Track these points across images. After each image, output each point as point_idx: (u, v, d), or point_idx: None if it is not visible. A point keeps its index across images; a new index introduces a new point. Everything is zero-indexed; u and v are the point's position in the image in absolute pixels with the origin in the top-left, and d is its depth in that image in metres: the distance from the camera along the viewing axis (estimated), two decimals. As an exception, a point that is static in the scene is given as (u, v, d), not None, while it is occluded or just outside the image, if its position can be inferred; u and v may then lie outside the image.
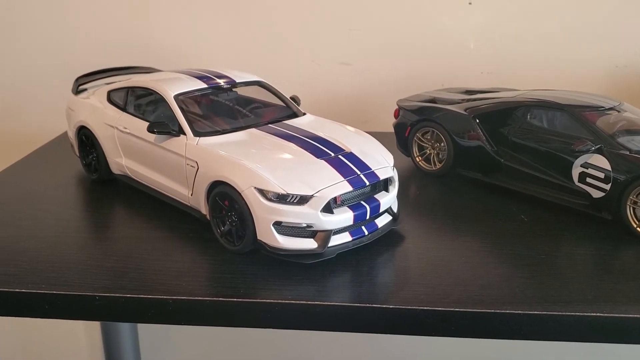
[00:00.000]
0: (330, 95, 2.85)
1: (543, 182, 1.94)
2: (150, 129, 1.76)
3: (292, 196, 1.53)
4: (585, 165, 1.82)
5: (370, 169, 1.67)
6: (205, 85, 1.91)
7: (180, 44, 2.83)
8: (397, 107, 2.38)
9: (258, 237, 1.57)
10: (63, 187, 2.12)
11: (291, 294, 1.46)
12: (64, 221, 1.85)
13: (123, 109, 1.99)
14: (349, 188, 1.59)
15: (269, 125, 1.84)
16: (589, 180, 1.82)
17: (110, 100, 2.06)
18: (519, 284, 1.52)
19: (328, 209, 1.56)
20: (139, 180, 1.95)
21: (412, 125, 2.25)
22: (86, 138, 2.11)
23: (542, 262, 1.62)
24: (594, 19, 2.70)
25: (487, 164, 2.07)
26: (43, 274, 1.54)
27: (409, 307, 1.42)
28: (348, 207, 1.61)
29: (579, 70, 2.77)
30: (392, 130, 2.40)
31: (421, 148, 2.26)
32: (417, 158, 2.26)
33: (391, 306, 1.42)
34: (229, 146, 1.69)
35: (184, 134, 1.76)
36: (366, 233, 1.64)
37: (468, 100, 2.23)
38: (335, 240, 1.59)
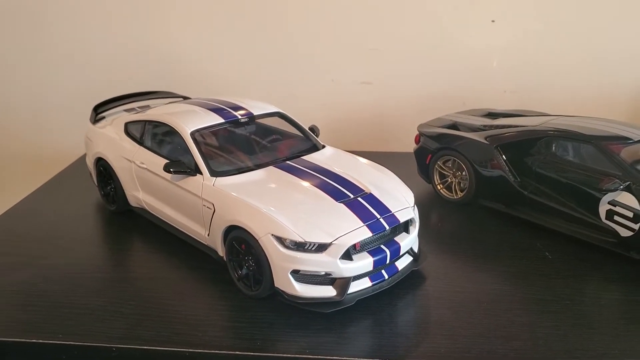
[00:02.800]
0: (351, 114, 2.82)
1: (568, 217, 1.89)
2: (166, 169, 1.74)
3: (310, 244, 1.50)
4: (613, 202, 1.77)
5: (390, 212, 1.63)
6: (222, 120, 1.88)
7: (200, 65, 2.81)
8: (417, 132, 2.32)
9: (275, 285, 1.54)
10: (82, 219, 2.12)
11: (309, 346, 1.44)
12: (82, 259, 1.84)
13: (140, 142, 1.97)
14: (369, 234, 1.55)
15: (287, 162, 1.81)
16: (616, 218, 1.77)
17: (127, 132, 2.04)
18: (542, 335, 1.48)
19: (347, 255, 1.53)
20: (156, 215, 1.94)
21: (433, 153, 2.20)
22: (104, 169, 2.10)
23: (567, 309, 1.58)
24: (620, 40, 2.62)
25: (509, 195, 2.02)
26: (61, 321, 1.54)
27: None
28: (367, 252, 1.57)
29: (603, 91, 2.69)
30: (412, 150, 2.36)
31: (442, 176, 2.22)
32: (438, 186, 2.22)
33: (408, 361, 1.39)
34: (246, 188, 1.67)
35: (201, 173, 1.74)
36: (386, 277, 1.61)
37: (490, 126, 2.18)
38: (355, 287, 1.56)
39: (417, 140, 2.32)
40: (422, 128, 2.30)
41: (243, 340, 1.47)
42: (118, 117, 2.21)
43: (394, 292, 1.63)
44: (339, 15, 2.70)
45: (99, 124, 2.21)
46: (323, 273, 1.51)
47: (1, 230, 2.02)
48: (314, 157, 1.85)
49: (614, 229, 1.78)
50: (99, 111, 2.25)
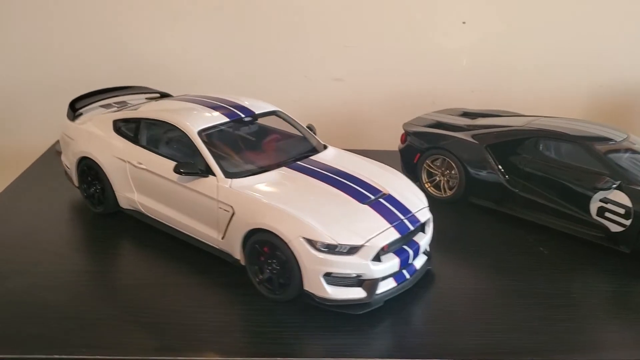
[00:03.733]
0: (323, 111, 2.81)
1: (559, 213, 1.99)
2: (177, 170, 1.67)
3: (342, 246, 1.49)
4: (605, 200, 1.88)
5: (411, 212, 1.65)
6: (227, 119, 1.83)
7: (170, 62, 2.71)
8: (403, 131, 2.36)
9: (305, 288, 1.53)
10: (65, 222, 1.99)
11: (343, 349, 1.43)
12: (79, 266, 1.74)
13: (135, 141, 1.88)
14: (397, 235, 1.57)
15: (298, 162, 1.78)
16: (607, 215, 1.88)
17: (117, 130, 1.94)
18: (562, 328, 1.55)
19: (376, 257, 1.54)
20: (154, 218, 1.86)
21: (421, 152, 2.25)
22: (89, 169, 1.98)
23: (575, 302, 1.66)
24: (580, 40, 2.78)
25: (500, 193, 2.10)
26: (77, 334, 1.45)
27: (467, 360, 1.42)
28: (393, 253, 1.58)
29: (563, 91, 2.85)
30: (387, 148, 2.41)
31: (430, 174, 2.27)
32: (426, 184, 2.26)
33: (449, 360, 1.42)
34: (266, 189, 1.63)
35: (213, 174, 1.68)
36: (408, 277, 1.63)
37: (475, 126, 2.25)
38: (381, 288, 1.57)
39: (403, 139, 2.35)
40: (409, 127, 2.34)
41: (277, 344, 1.44)
42: (98, 114, 2.09)
43: (412, 291, 1.66)
44: (313, 11, 2.69)
45: (78, 121, 2.08)
46: (354, 275, 1.51)
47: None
48: (322, 158, 1.84)
49: (604, 224, 1.89)
50: (76, 106, 2.11)
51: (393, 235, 1.56)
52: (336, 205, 1.60)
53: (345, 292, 1.52)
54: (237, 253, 1.65)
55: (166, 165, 1.77)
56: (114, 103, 2.23)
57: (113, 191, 1.92)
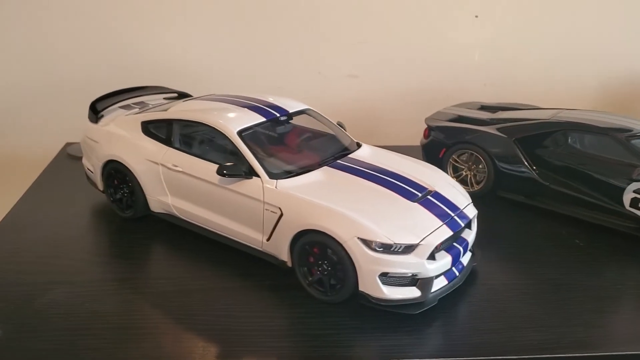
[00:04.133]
0: (337, 107, 2.78)
1: (591, 205, 2.00)
2: (220, 172, 1.63)
3: (398, 246, 1.47)
4: (639, 191, 1.89)
5: (459, 209, 1.64)
6: (263, 119, 1.79)
7: (182, 59, 2.65)
8: (425, 126, 2.35)
9: (360, 289, 1.50)
10: (94, 229, 1.95)
11: (402, 350, 1.42)
12: (120, 273, 1.69)
13: (168, 143, 1.83)
14: (450, 232, 1.56)
15: (338, 161, 1.76)
16: (642, 205, 1.89)
17: (147, 132, 1.89)
18: (615, 319, 1.56)
19: (430, 255, 1.52)
20: (190, 221, 1.81)
21: (447, 146, 2.24)
22: (116, 172, 1.92)
23: (622, 293, 1.67)
24: (588, 32, 2.81)
25: (530, 186, 2.10)
26: (134, 345, 1.40)
27: (532, 356, 1.41)
28: (444, 250, 1.57)
29: (574, 81, 2.87)
30: (402, 143, 2.40)
31: (456, 169, 2.26)
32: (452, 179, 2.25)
33: (513, 357, 1.41)
34: (313, 190, 1.60)
35: (257, 175, 1.65)
36: (457, 274, 1.62)
37: (499, 120, 2.25)
38: (434, 286, 1.55)
39: (426, 134, 2.34)
40: (432, 122, 2.33)
41: (336, 347, 1.42)
42: (120, 115, 2.04)
43: (461, 289, 1.65)
44: (327, 7, 2.66)
45: (100, 123, 2.02)
46: (410, 274, 1.49)
47: (6, 245, 1.80)
48: (360, 155, 1.82)
49: (638, 215, 1.90)
50: (96, 108, 2.05)
51: (446, 233, 1.55)
52: (387, 204, 1.58)
53: (400, 291, 1.50)
54: (284, 255, 1.62)
55: (204, 167, 1.72)
56: (133, 104, 2.17)
57: (144, 194, 1.87)
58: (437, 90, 2.79)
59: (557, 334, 1.49)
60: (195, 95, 2.26)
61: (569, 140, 2.07)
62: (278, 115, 1.83)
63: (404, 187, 1.65)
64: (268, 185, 1.62)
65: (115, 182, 1.94)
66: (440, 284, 1.56)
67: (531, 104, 2.47)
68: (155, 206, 1.87)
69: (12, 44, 2.60)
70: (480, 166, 2.18)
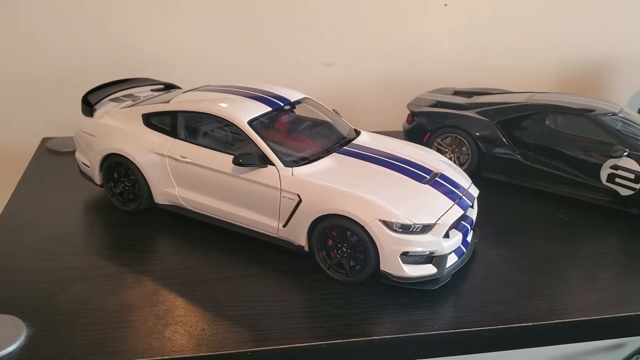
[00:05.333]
0: (314, 95, 2.81)
1: (570, 182, 2.15)
2: (236, 162, 1.66)
3: (416, 226, 1.55)
4: (615, 167, 2.05)
5: (465, 189, 1.74)
6: (269, 108, 1.83)
7: (164, 51, 2.62)
8: (408, 112, 2.44)
9: (381, 268, 1.57)
10: (98, 223, 1.93)
11: (435, 323, 1.50)
12: (135, 266, 1.69)
13: (174, 135, 1.83)
14: (461, 212, 1.65)
15: (344, 147, 1.82)
16: (618, 180, 2.05)
17: (149, 125, 1.88)
18: (608, 285, 1.70)
19: (445, 233, 1.61)
20: (198, 211, 1.83)
21: (432, 131, 2.33)
22: (117, 165, 1.91)
23: (611, 261, 1.82)
24: (549, 23, 2.97)
25: (512, 166, 2.23)
26: (171, 334, 1.42)
27: (544, 322, 1.53)
28: (455, 229, 1.66)
29: (533, 68, 3.03)
30: (378, 129, 2.44)
31: (440, 152, 2.35)
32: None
33: (530, 324, 1.52)
34: (329, 176, 1.66)
35: (271, 164, 1.69)
36: (464, 250, 1.72)
37: (477, 104, 2.36)
38: (448, 263, 1.64)
39: (409, 120, 2.43)
40: (415, 108, 2.42)
41: (369, 325, 1.49)
42: (114, 108, 2.02)
43: (466, 264, 1.74)
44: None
45: (95, 117, 2.00)
46: (428, 252, 1.58)
47: (10, 244, 1.76)
48: (363, 141, 1.88)
49: (614, 189, 2.07)
50: (90, 101, 2.02)
51: (458, 212, 1.64)
52: (400, 187, 1.65)
53: (419, 269, 1.58)
54: (302, 240, 1.67)
55: (215, 158, 1.75)
56: (122, 96, 2.15)
57: (148, 187, 1.87)
58: (408, 77, 2.89)
59: (563, 301, 1.61)
60: (181, 87, 2.27)
61: (547, 121, 2.21)
62: (282, 104, 1.87)
63: (412, 170, 1.73)
64: (284, 173, 1.66)
65: (115, 175, 1.93)
66: (452, 260, 1.65)
67: (501, 89, 2.61)
68: (160, 198, 1.88)
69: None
70: (463, 149, 2.29)
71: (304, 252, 1.69)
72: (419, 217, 1.56)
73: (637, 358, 3.49)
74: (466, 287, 1.66)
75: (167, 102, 1.89)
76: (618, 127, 2.11)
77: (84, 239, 1.83)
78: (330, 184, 1.62)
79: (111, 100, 2.10)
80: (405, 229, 1.55)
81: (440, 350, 1.49)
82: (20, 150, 2.55)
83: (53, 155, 2.38)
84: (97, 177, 1.97)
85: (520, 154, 2.22)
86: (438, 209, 1.61)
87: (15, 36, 2.52)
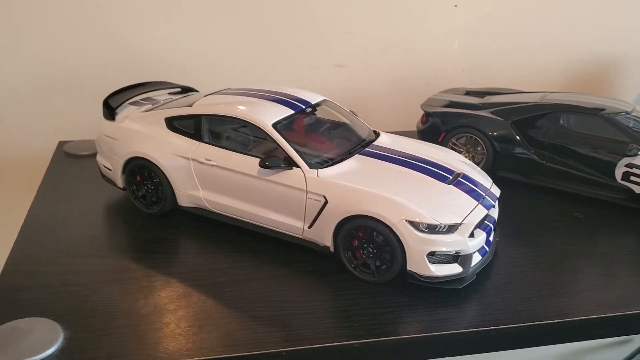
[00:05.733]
0: (327, 96, 2.85)
1: (585, 180, 2.18)
2: (263, 164, 1.68)
3: (443, 226, 1.58)
4: (630, 165, 2.08)
5: (488, 189, 1.77)
6: (292, 111, 1.85)
7: (178, 55, 2.64)
8: (423, 112, 2.47)
9: (408, 268, 1.60)
10: (122, 226, 1.95)
11: (462, 322, 1.53)
12: (164, 268, 1.72)
13: (198, 138, 1.85)
14: (485, 211, 1.68)
15: (366, 149, 1.84)
16: (632, 178, 2.08)
17: (173, 128, 1.90)
18: (629, 281, 1.73)
19: (470, 233, 1.63)
20: (224, 213, 1.85)
21: (447, 131, 2.36)
22: (140, 169, 1.93)
23: (628, 258, 1.85)
24: (557, 22, 3.00)
25: (528, 165, 2.26)
26: (207, 335, 1.44)
27: (568, 320, 1.56)
28: (479, 228, 1.69)
29: (540, 67, 3.06)
30: (389, 129, 2.46)
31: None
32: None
33: (555, 321, 1.55)
34: (354, 177, 1.68)
35: (297, 166, 1.71)
36: (487, 249, 1.74)
37: (491, 104, 2.39)
38: (472, 262, 1.67)
39: (424, 120, 2.45)
40: (429, 108, 2.44)
41: (398, 324, 1.52)
42: (134, 112, 2.04)
43: (489, 262, 1.77)
44: (314, 1, 2.72)
45: (117, 120, 2.01)
46: (454, 252, 1.60)
47: (37, 247, 1.78)
48: (383, 142, 1.91)
49: (629, 187, 2.10)
50: (111, 105, 2.03)
51: (482, 212, 1.67)
52: (424, 188, 1.68)
53: (445, 268, 1.61)
54: (328, 240, 1.69)
55: (240, 160, 1.77)
56: (141, 100, 2.17)
57: (172, 190, 1.89)
58: (418, 78, 2.92)
59: (583, 298, 1.64)
60: (198, 90, 2.29)
61: (561, 120, 2.24)
62: (304, 107, 1.89)
63: (435, 171, 1.75)
64: (310, 175, 1.68)
65: (138, 178, 1.95)
66: (476, 259, 1.68)
67: (512, 88, 2.64)
68: (184, 201, 1.90)
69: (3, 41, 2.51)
70: (478, 148, 2.32)
71: (330, 253, 1.71)
72: (445, 217, 1.59)
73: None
74: (490, 285, 1.69)
75: (190, 105, 1.91)
76: (631, 126, 2.14)
77: (109, 242, 1.85)
78: (356, 185, 1.64)
79: (130, 103, 2.12)
80: (432, 229, 1.57)
81: (468, 348, 1.52)
82: (36, 154, 2.57)
83: (71, 159, 2.40)
84: (120, 181, 1.99)
85: (535, 153, 2.24)
86: (463, 209, 1.63)
87: (27, 43, 2.53)
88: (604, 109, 2.19)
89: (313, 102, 1.94)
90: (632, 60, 3.16)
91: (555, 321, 1.54)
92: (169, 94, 2.27)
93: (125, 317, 1.49)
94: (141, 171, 1.93)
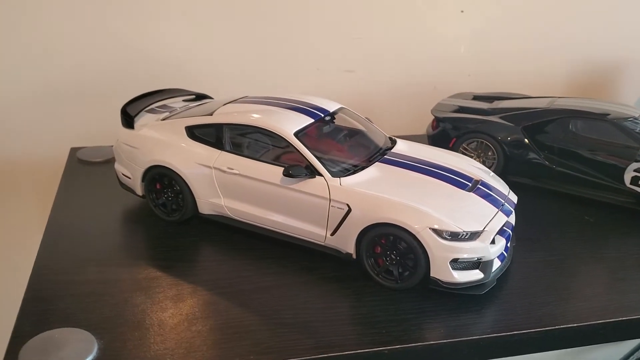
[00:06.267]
0: (336, 101, 2.88)
1: (593, 184, 2.22)
2: (287, 173, 1.71)
3: (466, 233, 1.61)
4: (639, 170, 2.13)
5: (506, 195, 1.81)
6: (312, 120, 1.88)
7: (185, 60, 2.66)
8: (433, 117, 2.50)
9: (432, 275, 1.63)
10: (144, 235, 1.96)
11: (486, 327, 1.56)
12: (191, 276, 1.74)
13: (220, 147, 1.88)
14: (505, 218, 1.71)
15: (385, 157, 1.88)
16: (641, 183, 2.14)
17: (194, 137, 1.92)
18: (640, 286, 1.78)
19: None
20: (245, 221, 1.88)
21: (458, 136, 2.40)
22: (160, 177, 1.95)
23: (640, 262, 1.90)
24: (561, 26, 3.05)
25: (538, 170, 2.30)
26: (238, 342, 1.47)
27: (589, 323, 1.60)
28: (498, 234, 1.73)
29: (544, 71, 3.11)
30: (397, 133, 2.51)
31: (465, 157, 2.42)
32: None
33: (575, 324, 1.59)
34: (376, 185, 1.71)
35: (320, 174, 1.74)
36: (505, 255, 1.78)
37: (500, 109, 2.43)
38: (493, 268, 1.71)
39: (434, 126, 2.49)
40: (439, 114, 2.48)
41: (424, 330, 1.55)
42: (153, 120, 2.06)
43: (508, 268, 1.81)
44: (321, 5, 2.74)
45: (136, 129, 2.03)
46: (476, 258, 1.64)
47: (61, 256, 1.80)
48: (401, 150, 1.94)
49: (638, 192, 2.15)
50: (130, 114, 2.05)
51: (502, 218, 1.70)
52: (446, 195, 1.71)
53: (467, 275, 1.65)
54: (350, 247, 1.72)
55: (262, 169, 1.79)
56: (157, 107, 2.19)
57: (193, 198, 1.91)
58: (425, 83, 2.95)
59: (602, 302, 1.68)
60: (212, 97, 2.31)
61: (570, 126, 2.28)
62: (323, 115, 1.92)
63: (454, 178, 1.79)
64: (333, 184, 1.71)
65: (158, 186, 1.97)
66: (496, 265, 1.72)
67: (519, 93, 2.68)
68: (205, 208, 1.92)
69: (8, 46, 2.51)
70: (489, 153, 2.36)
71: (352, 260, 1.74)
72: (468, 224, 1.62)
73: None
74: (509, 290, 1.73)
75: (211, 114, 1.93)
76: (638, 131, 2.19)
77: (133, 250, 1.87)
78: (379, 193, 1.67)
79: (147, 111, 2.13)
80: (454, 236, 1.61)
81: (493, 353, 1.56)
82: (48, 161, 2.58)
83: (85, 166, 2.41)
84: (139, 189, 2.01)
85: (545, 157, 2.29)
86: (484, 216, 1.67)
87: (37, 49, 2.53)
88: (611, 114, 2.23)
89: (331, 110, 1.96)
90: (635, 63, 3.21)
91: (576, 325, 1.58)
92: (184, 100, 2.29)
93: (157, 326, 1.51)
94: (161, 179, 1.95)
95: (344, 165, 1.79)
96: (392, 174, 1.79)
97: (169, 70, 2.68)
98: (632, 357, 3.74)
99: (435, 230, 1.59)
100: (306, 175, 1.73)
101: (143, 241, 1.93)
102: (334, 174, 1.73)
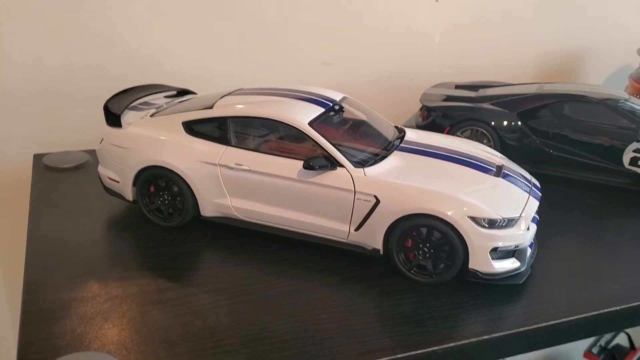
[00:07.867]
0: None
1: (592, 167, 2.21)
2: (307, 165, 1.58)
3: (504, 220, 1.54)
4: (637, 150, 2.13)
5: (530, 180, 1.74)
6: (322, 109, 1.76)
7: (160, 58, 2.46)
8: (422, 107, 2.44)
9: (470, 266, 1.54)
10: (136, 243, 1.78)
11: (534, 317, 1.49)
12: (207, 285, 1.58)
13: (225, 142, 1.72)
14: (537, 202, 1.65)
15: (402, 145, 1.78)
16: (640, 163, 2.14)
17: (193, 133, 1.75)
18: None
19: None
20: (254, 221, 1.73)
21: (452, 125, 2.33)
22: (155, 178, 1.77)
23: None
24: (530, 17, 3.06)
25: (536, 155, 2.27)
26: (277, 354, 1.33)
27: (626, 306, 1.56)
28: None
29: (514, 58, 3.11)
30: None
31: (460, 146, 2.36)
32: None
33: (617, 308, 1.54)
34: (403, 174, 1.61)
35: (341, 165, 1.62)
36: (532, 242, 1.72)
37: (490, 97, 2.39)
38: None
39: (424, 116, 2.42)
40: (429, 103, 2.41)
41: (471, 325, 1.47)
42: (141, 117, 1.88)
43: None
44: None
45: (124, 127, 1.84)
46: (514, 246, 1.56)
47: (55, 272, 1.59)
48: (414, 137, 1.85)
49: (636, 172, 2.15)
50: (114, 112, 1.85)
51: (535, 203, 1.64)
52: (477, 182, 1.63)
53: (504, 264, 1.57)
54: (378, 243, 1.61)
55: (275, 163, 1.65)
56: (139, 104, 2.00)
57: (195, 199, 1.74)
58: (402, 74, 2.88)
59: (633, 283, 1.64)
60: (196, 92, 2.14)
61: (564, 110, 2.26)
62: (331, 104, 1.79)
63: (477, 164, 1.71)
64: (357, 174, 1.59)
65: (152, 189, 1.78)
66: (527, 252, 1.65)
67: (499, 81, 2.66)
68: (208, 210, 1.75)
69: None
70: (484, 141, 2.30)
71: (378, 256, 1.62)
72: (505, 211, 1.55)
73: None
74: (540, 278, 1.66)
75: (211, 107, 1.76)
76: (633, 111, 2.20)
77: (131, 260, 1.68)
78: (408, 182, 1.57)
79: (129, 109, 1.94)
80: (492, 224, 1.52)
81: (542, 342, 1.49)
82: (10, 170, 2.32)
83: (53, 173, 2.17)
84: (130, 193, 1.81)
85: (542, 142, 2.26)
86: (518, 202, 1.60)
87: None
88: (606, 98, 2.22)
89: (337, 99, 1.84)
90: (596, 51, 3.27)
91: (615, 308, 1.53)
92: (165, 97, 2.10)
93: (184, 342, 1.35)
94: (156, 181, 1.77)
95: (364, 155, 1.68)
96: (415, 162, 1.69)
97: (144, 67, 2.47)
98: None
99: (473, 219, 1.50)
100: (327, 166, 1.59)
101: (139, 250, 1.74)
102: (355, 164, 1.61)
